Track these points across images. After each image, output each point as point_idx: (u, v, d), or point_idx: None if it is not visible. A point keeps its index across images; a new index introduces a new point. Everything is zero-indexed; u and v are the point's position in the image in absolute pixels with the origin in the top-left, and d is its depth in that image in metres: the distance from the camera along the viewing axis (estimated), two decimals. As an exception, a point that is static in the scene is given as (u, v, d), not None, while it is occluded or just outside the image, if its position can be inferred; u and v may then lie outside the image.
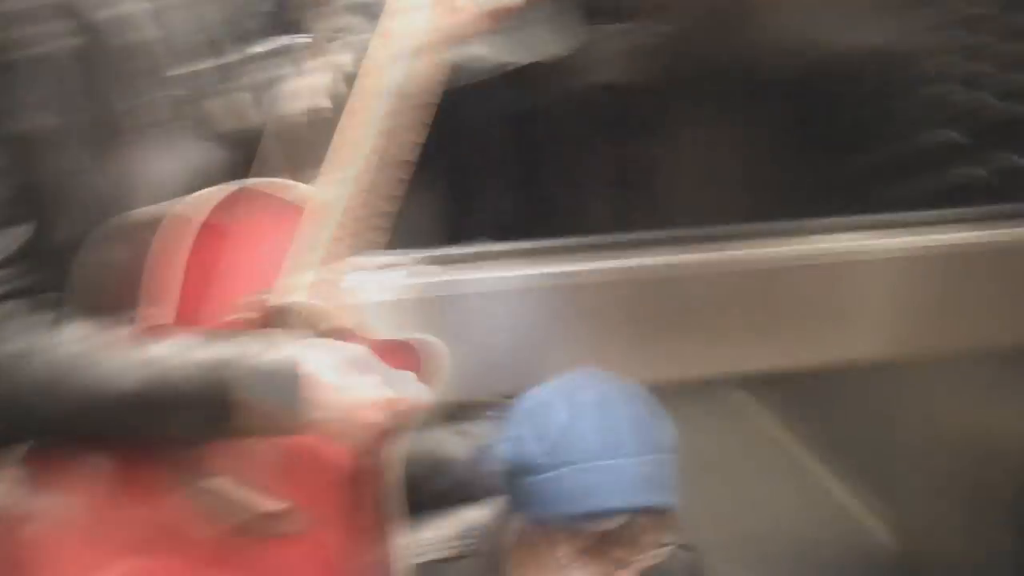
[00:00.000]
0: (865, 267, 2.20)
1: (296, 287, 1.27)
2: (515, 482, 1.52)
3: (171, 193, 1.26)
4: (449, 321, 1.90)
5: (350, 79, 1.34)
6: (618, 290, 2.05)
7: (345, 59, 1.44)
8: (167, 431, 1.23)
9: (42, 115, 1.20)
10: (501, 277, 1.96)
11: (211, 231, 1.24)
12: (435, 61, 1.30)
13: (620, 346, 2.04)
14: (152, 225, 1.23)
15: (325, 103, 1.42)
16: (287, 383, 1.21)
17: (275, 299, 1.27)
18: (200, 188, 1.27)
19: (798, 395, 3.15)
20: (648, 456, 1.48)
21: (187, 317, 1.24)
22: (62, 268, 1.23)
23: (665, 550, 1.51)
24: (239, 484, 1.27)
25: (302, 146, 1.38)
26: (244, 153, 1.36)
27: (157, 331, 1.21)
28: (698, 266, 2.08)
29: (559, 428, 1.49)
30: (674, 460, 1.50)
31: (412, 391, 1.30)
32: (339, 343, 1.27)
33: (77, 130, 1.22)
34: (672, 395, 1.50)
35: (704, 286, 2.07)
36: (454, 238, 2.25)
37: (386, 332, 1.38)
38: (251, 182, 1.30)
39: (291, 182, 1.32)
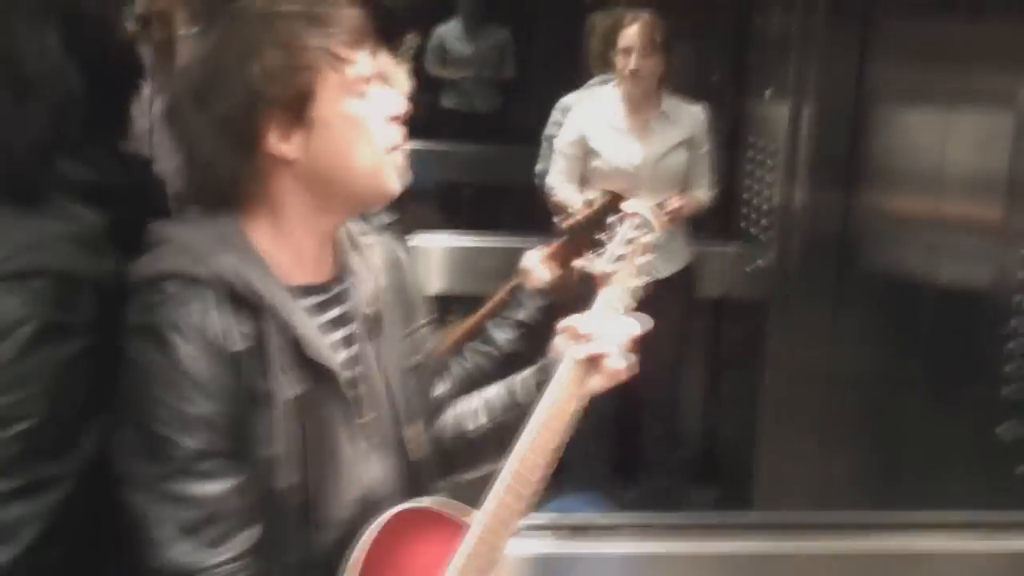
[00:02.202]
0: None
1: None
2: None
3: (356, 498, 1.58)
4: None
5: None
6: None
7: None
8: None
9: (279, 443, 1.48)
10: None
11: (386, 540, 1.54)
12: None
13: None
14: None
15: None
16: None
17: None
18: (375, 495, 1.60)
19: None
20: None
21: None
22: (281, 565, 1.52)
23: None
24: None
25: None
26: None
27: None
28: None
29: None
30: None
31: None
32: None
33: (301, 455, 1.50)
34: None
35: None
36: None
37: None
38: (423, 501, 1.60)
39: (454, 503, 1.61)
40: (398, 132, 1.56)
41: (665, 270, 3.91)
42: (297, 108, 1.47)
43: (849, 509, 3.56)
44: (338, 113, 1.50)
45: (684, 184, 3.94)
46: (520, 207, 4.84)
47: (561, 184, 3.93)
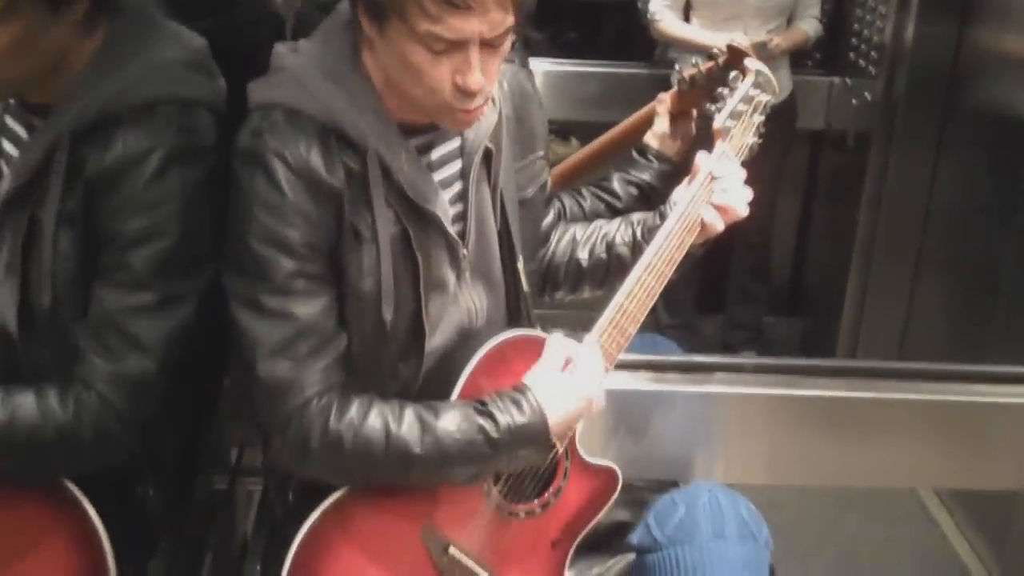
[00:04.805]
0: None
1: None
2: (641, 558, 1.80)
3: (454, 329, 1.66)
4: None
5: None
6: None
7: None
8: (445, 482, 1.63)
9: (383, 277, 1.57)
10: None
11: (495, 354, 1.65)
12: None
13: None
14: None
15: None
16: (538, 433, 1.60)
17: None
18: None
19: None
20: (748, 545, 1.75)
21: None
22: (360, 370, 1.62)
23: None
24: (469, 553, 1.68)
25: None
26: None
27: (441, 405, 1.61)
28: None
29: (678, 519, 1.77)
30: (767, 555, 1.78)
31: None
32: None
33: (410, 288, 1.60)
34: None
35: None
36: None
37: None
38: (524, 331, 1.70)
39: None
40: (469, 100, 1.50)
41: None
42: (376, 10, 1.46)
43: (935, 349, 3.60)
44: (400, 50, 1.46)
45: (792, 14, 3.85)
46: (621, 31, 4.76)
47: (664, 11, 3.86)
